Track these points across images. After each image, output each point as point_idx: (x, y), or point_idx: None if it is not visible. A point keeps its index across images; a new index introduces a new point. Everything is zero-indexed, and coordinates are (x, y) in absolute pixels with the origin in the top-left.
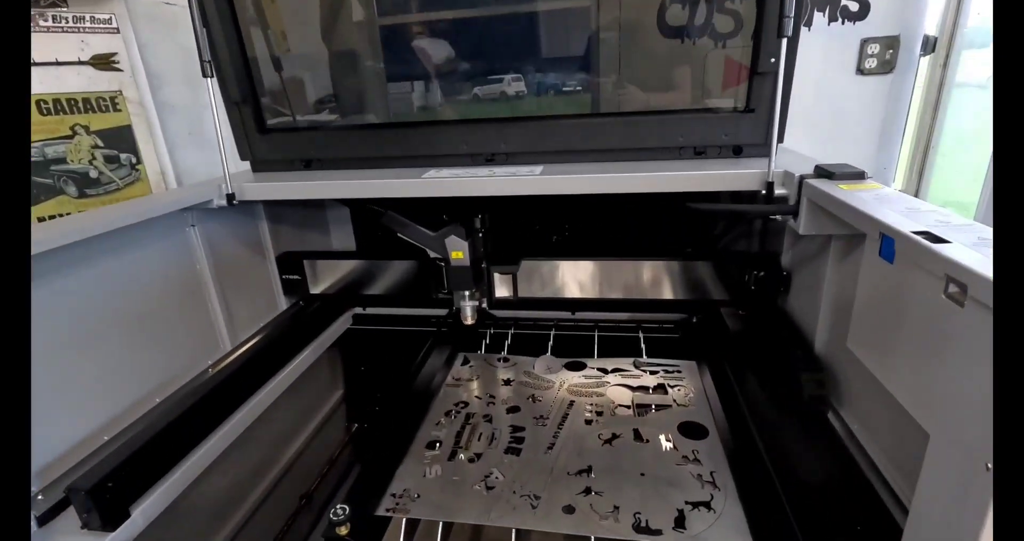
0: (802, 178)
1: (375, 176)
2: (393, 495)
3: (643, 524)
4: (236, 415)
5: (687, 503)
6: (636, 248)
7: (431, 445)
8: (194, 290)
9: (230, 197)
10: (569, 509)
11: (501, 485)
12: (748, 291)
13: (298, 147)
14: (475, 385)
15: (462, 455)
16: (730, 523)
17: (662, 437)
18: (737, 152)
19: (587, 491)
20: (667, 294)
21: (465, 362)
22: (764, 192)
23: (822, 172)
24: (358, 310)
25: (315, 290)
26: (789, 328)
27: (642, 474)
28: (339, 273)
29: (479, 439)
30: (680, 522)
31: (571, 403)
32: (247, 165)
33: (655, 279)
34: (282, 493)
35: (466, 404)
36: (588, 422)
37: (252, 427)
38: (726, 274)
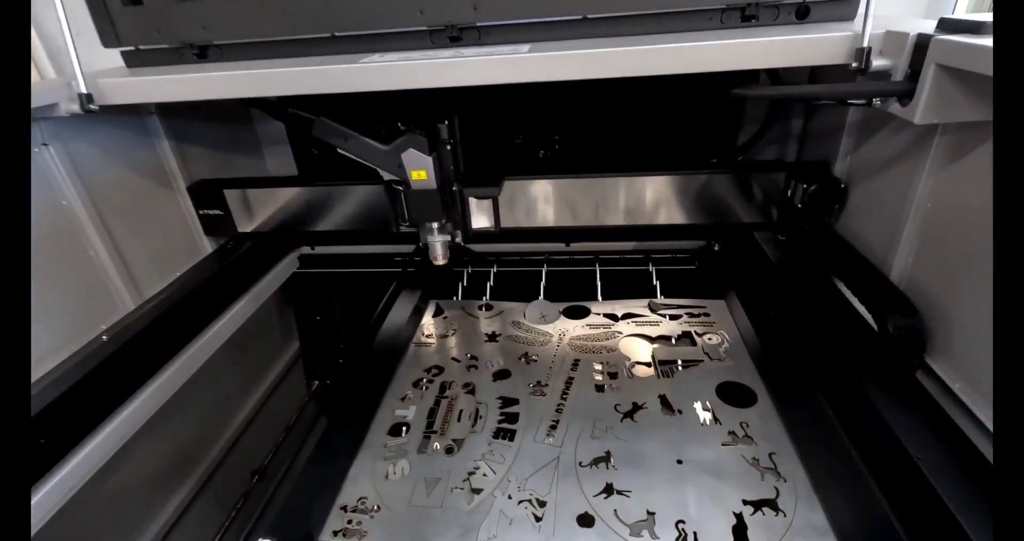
0: (923, 38)
1: (295, 64)
2: (344, 509)
3: (690, 539)
4: (153, 383)
5: (745, 503)
6: (644, 161)
7: (395, 430)
8: (62, 236)
9: (85, 99)
10: (586, 520)
11: (491, 486)
12: (791, 210)
13: (185, 26)
14: (451, 343)
15: (437, 444)
16: (810, 533)
17: (698, 406)
18: (802, 15)
19: (608, 491)
20: (682, 217)
21: (438, 312)
22: (855, 66)
23: (956, 26)
24: (305, 250)
25: (246, 228)
26: (850, 256)
27: (679, 462)
28: (277, 205)
29: (459, 419)
30: (741, 533)
31: (575, 363)
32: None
33: (668, 199)
34: (230, 469)
35: (440, 369)
36: (600, 388)
37: (184, 394)
38: (760, 190)
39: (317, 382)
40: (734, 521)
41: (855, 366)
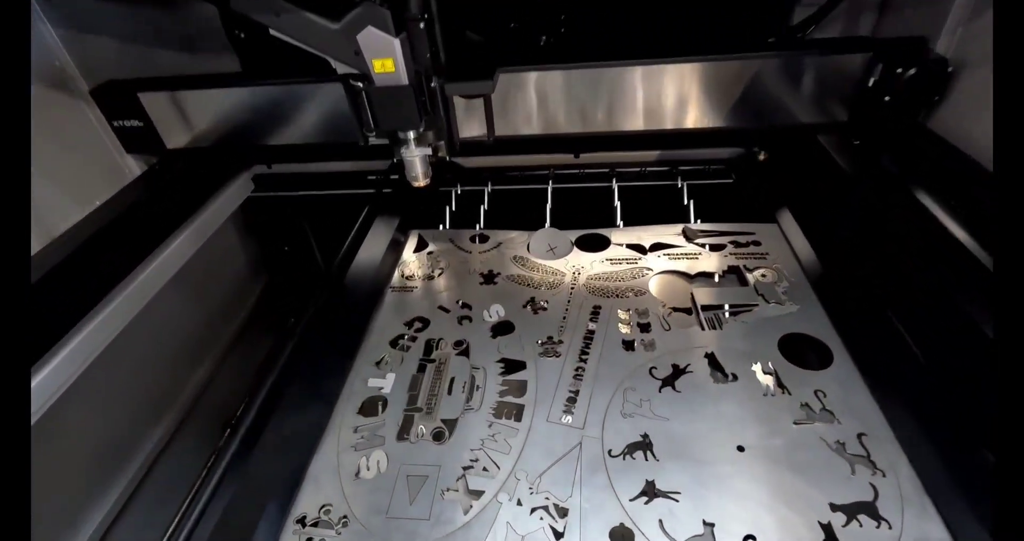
0: None
1: None
2: (301, 522)
3: None
4: (82, 330)
5: (834, 507)
6: (671, 44)
7: (368, 407)
8: None
9: None
10: (622, 536)
11: (494, 486)
12: (872, 104)
13: None
14: (438, 286)
15: (422, 427)
16: None
17: (757, 368)
18: None
19: (649, 492)
20: (720, 118)
21: (421, 246)
22: None
23: None
24: (260, 169)
25: (179, 142)
26: (955, 164)
27: (740, 448)
28: (218, 113)
29: (449, 390)
30: None
31: (596, 310)
32: None
33: (702, 94)
34: (198, 421)
35: (424, 322)
36: (629, 346)
37: (131, 339)
38: (826, 79)
39: (292, 319)
40: (822, 535)
41: (969, 315)
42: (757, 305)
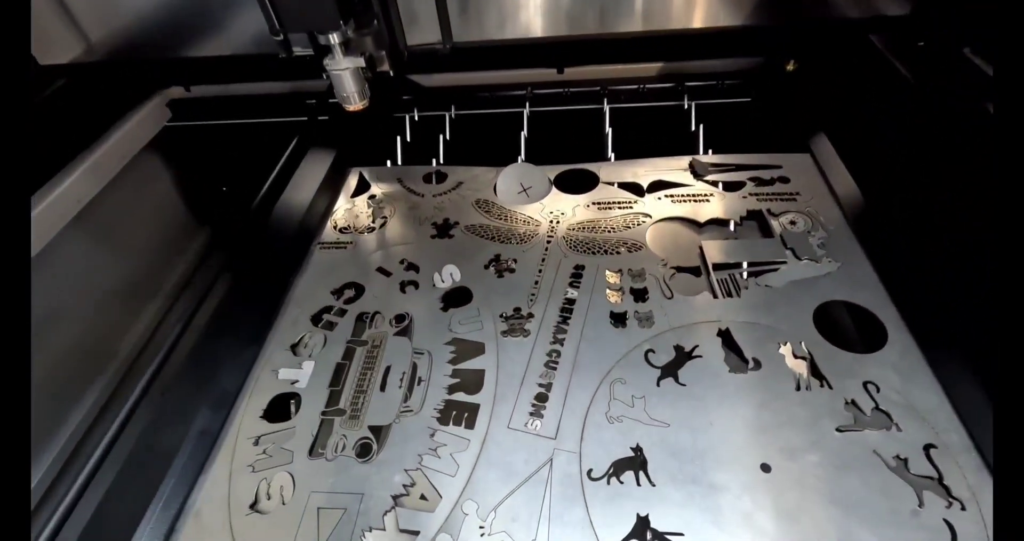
0: None
1: None
2: None
3: None
4: None
5: None
6: None
7: (276, 409)
8: None
9: None
10: None
11: (434, 525)
12: None
13: None
14: (379, 241)
15: (343, 436)
16: None
17: (786, 351)
18: None
19: (641, 534)
20: (740, 13)
21: (361, 188)
22: None
23: None
24: (178, 92)
25: (60, 55)
26: None
27: (764, 468)
28: (118, 17)
29: (382, 385)
30: None
31: (578, 271)
32: None
33: None
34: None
35: (358, 290)
36: (619, 320)
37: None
38: None
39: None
40: None
41: None
42: (785, 263)
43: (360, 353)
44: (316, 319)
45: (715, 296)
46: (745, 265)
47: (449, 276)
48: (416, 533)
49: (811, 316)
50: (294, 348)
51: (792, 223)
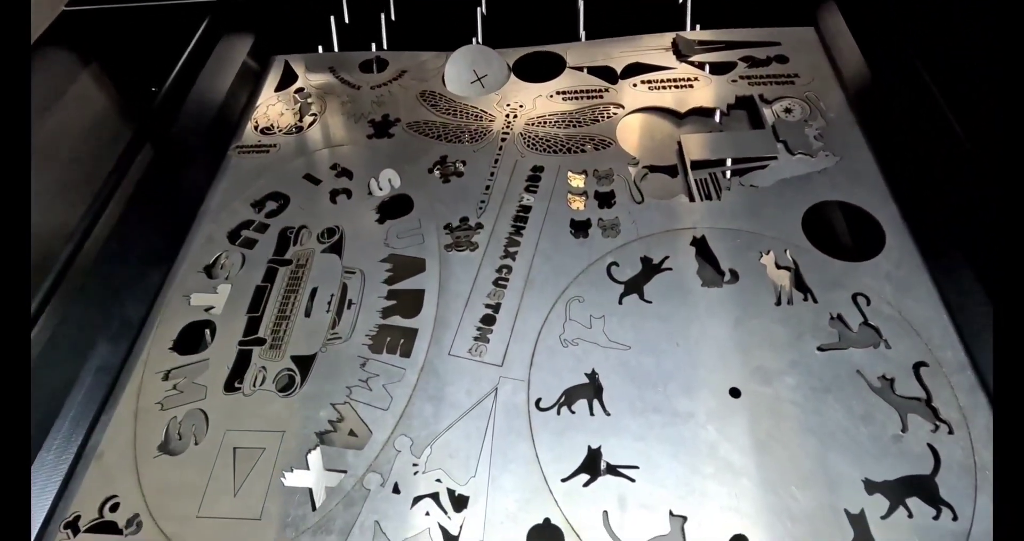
0: None
1: None
2: (71, 526)
3: None
4: None
5: (871, 487)
6: None
7: (188, 340)
8: None
9: None
10: (550, 536)
11: (363, 464)
12: None
13: None
14: (306, 143)
15: (263, 368)
16: None
17: (768, 261)
18: None
19: (592, 468)
20: None
21: (288, 80)
22: None
23: None
24: None
25: None
26: None
27: (733, 393)
28: None
29: (307, 311)
30: None
31: (535, 173)
32: None
33: None
34: None
35: (282, 201)
36: (581, 229)
37: None
38: None
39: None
40: (850, 534)
41: None
42: (775, 158)
43: (283, 274)
44: (234, 236)
45: (692, 199)
46: (729, 162)
47: (387, 182)
48: (343, 472)
49: (800, 220)
50: (208, 270)
51: (787, 111)
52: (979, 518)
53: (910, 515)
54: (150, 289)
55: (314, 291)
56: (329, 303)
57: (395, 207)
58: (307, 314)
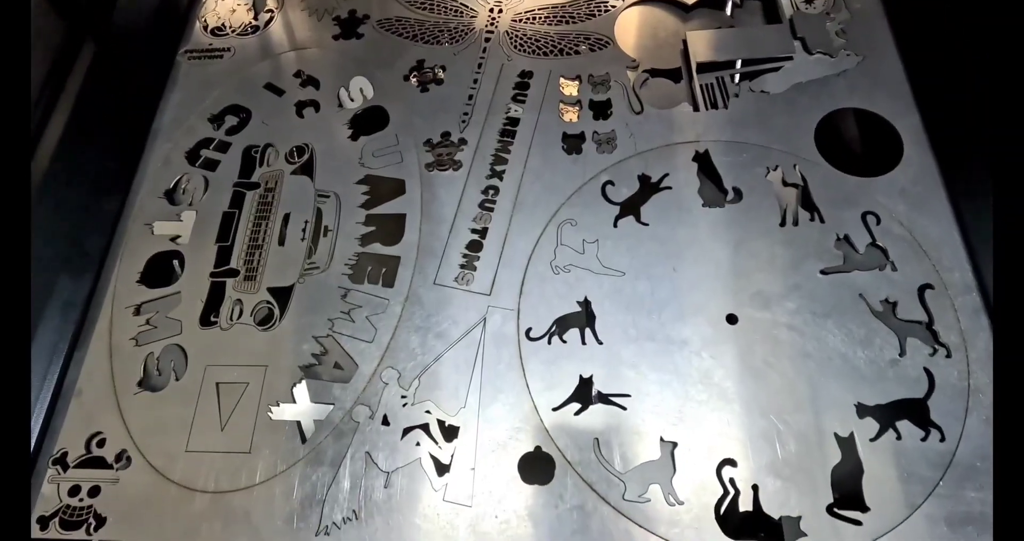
0: None
1: None
2: (60, 462)
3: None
4: None
5: (863, 411)
6: None
7: (155, 271)
8: None
9: None
10: (540, 464)
11: (350, 396)
12: None
13: None
14: (265, 45)
15: (239, 301)
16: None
17: (775, 177)
18: None
19: (582, 397)
20: None
21: None
22: None
23: None
24: None
25: None
26: None
27: (730, 319)
28: None
29: (280, 239)
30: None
31: (524, 81)
32: None
33: None
34: None
35: (243, 116)
36: (574, 145)
37: None
38: None
39: None
40: (837, 456)
41: None
42: (790, 59)
43: (251, 199)
44: (193, 156)
45: (696, 108)
46: (739, 64)
47: (359, 92)
48: (330, 405)
49: (813, 131)
50: (170, 195)
51: (808, 2)
52: (966, 439)
53: (899, 437)
54: (108, 218)
55: (286, 217)
56: (304, 230)
57: (369, 121)
58: (281, 242)
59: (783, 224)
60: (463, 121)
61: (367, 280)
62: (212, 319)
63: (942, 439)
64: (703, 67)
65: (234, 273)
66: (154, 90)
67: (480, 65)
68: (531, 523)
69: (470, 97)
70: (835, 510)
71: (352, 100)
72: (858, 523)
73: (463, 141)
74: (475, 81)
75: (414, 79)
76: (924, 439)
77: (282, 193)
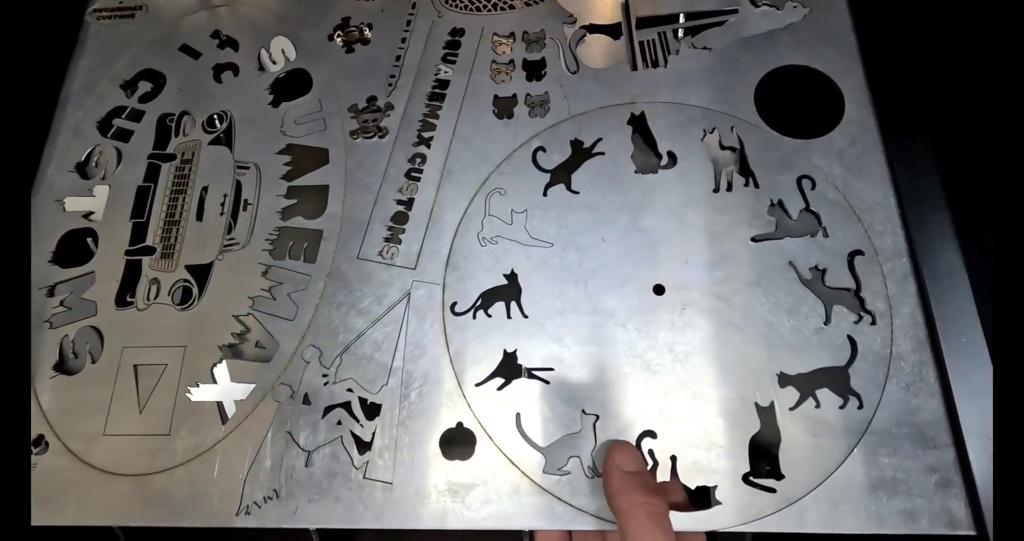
0: None
1: None
2: None
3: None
4: None
5: (784, 380)
6: None
7: (68, 251)
8: None
9: None
10: (462, 439)
11: (271, 375)
12: None
13: None
14: (178, 2)
15: (156, 280)
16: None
17: (711, 140)
18: None
19: (506, 372)
20: None
21: None
22: None
23: None
24: None
25: None
26: None
27: (657, 290)
28: None
29: (199, 214)
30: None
31: (454, 39)
32: None
33: None
34: None
35: (157, 80)
36: (505, 109)
37: None
38: None
39: None
40: (755, 426)
41: None
42: (736, 12)
43: (167, 171)
44: (105, 126)
45: (634, 67)
46: (683, 18)
47: (280, 53)
48: (251, 385)
49: (753, 89)
50: (81, 169)
51: None
52: (884, 406)
53: (817, 405)
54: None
55: (204, 191)
56: (223, 204)
57: (291, 85)
58: (199, 217)
59: (717, 190)
60: (390, 85)
61: (288, 255)
62: (128, 299)
63: (860, 406)
64: (644, 22)
65: (150, 251)
66: (62, 54)
67: (409, 23)
68: (451, 498)
69: (398, 58)
70: (751, 479)
71: (274, 62)
72: (772, 491)
73: (390, 106)
74: (403, 40)
75: (339, 39)
76: (842, 407)
77: (199, 165)
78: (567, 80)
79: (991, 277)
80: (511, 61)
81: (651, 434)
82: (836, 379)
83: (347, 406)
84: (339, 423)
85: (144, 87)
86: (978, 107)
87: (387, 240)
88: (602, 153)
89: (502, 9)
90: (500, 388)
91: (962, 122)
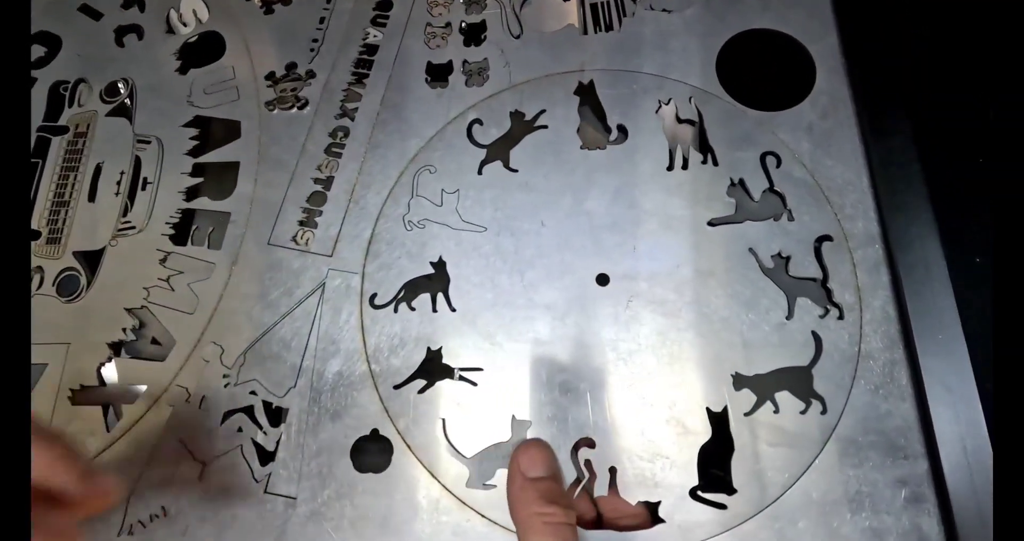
0: None
1: None
2: None
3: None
4: None
5: (740, 382)
6: None
7: None
8: None
9: None
10: (378, 449)
11: (166, 376)
12: None
13: None
14: None
15: (40, 268)
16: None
17: (667, 112)
18: None
19: (429, 373)
20: None
21: None
22: None
23: None
24: None
25: None
26: None
27: (601, 280)
28: None
29: (91, 194)
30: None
31: (385, 8)
32: None
33: None
34: None
35: (52, 46)
36: (439, 76)
37: None
38: None
39: None
40: (706, 434)
41: None
42: None
43: (58, 146)
44: None
45: (584, 30)
46: None
47: (192, 14)
48: (143, 387)
49: (715, 56)
50: None
51: None
52: (849, 411)
53: (776, 410)
54: None
55: (99, 168)
56: (119, 183)
57: (202, 50)
58: (91, 198)
59: (671, 168)
60: (312, 49)
61: (191, 241)
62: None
63: (823, 411)
64: None
65: (35, 235)
66: None
67: None
68: (360, 515)
69: (322, 20)
70: (699, 494)
71: (184, 24)
72: (723, 507)
73: (311, 74)
74: (328, 0)
75: (260, 5)
76: (804, 412)
77: (95, 139)
78: (509, 45)
79: (990, 264)
80: (448, 24)
81: (588, 443)
82: (797, 380)
83: (249, 411)
84: (239, 430)
85: (37, 52)
86: (965, 79)
87: (302, 224)
88: (545, 126)
89: None
90: (422, 391)
91: (946, 94)
